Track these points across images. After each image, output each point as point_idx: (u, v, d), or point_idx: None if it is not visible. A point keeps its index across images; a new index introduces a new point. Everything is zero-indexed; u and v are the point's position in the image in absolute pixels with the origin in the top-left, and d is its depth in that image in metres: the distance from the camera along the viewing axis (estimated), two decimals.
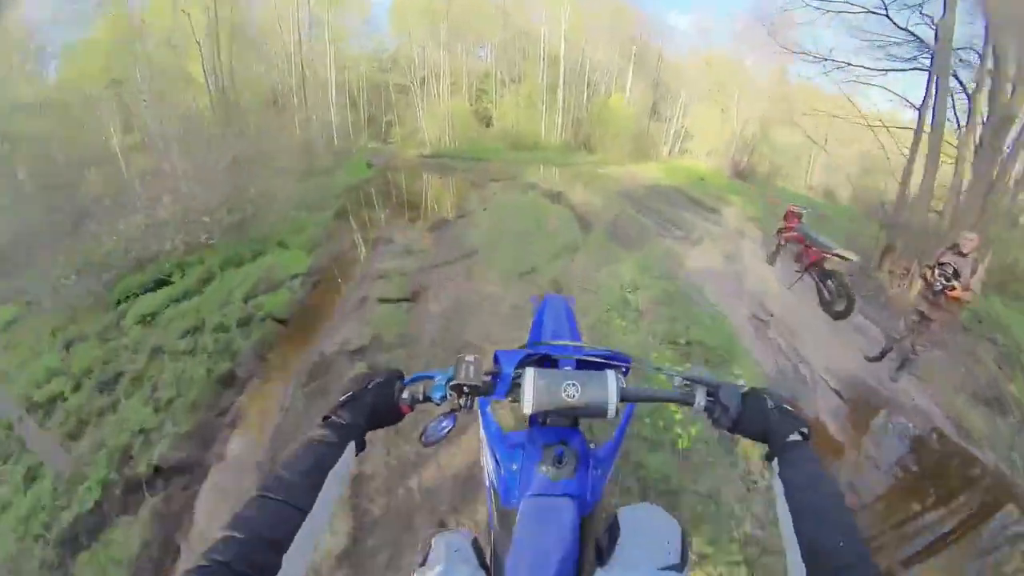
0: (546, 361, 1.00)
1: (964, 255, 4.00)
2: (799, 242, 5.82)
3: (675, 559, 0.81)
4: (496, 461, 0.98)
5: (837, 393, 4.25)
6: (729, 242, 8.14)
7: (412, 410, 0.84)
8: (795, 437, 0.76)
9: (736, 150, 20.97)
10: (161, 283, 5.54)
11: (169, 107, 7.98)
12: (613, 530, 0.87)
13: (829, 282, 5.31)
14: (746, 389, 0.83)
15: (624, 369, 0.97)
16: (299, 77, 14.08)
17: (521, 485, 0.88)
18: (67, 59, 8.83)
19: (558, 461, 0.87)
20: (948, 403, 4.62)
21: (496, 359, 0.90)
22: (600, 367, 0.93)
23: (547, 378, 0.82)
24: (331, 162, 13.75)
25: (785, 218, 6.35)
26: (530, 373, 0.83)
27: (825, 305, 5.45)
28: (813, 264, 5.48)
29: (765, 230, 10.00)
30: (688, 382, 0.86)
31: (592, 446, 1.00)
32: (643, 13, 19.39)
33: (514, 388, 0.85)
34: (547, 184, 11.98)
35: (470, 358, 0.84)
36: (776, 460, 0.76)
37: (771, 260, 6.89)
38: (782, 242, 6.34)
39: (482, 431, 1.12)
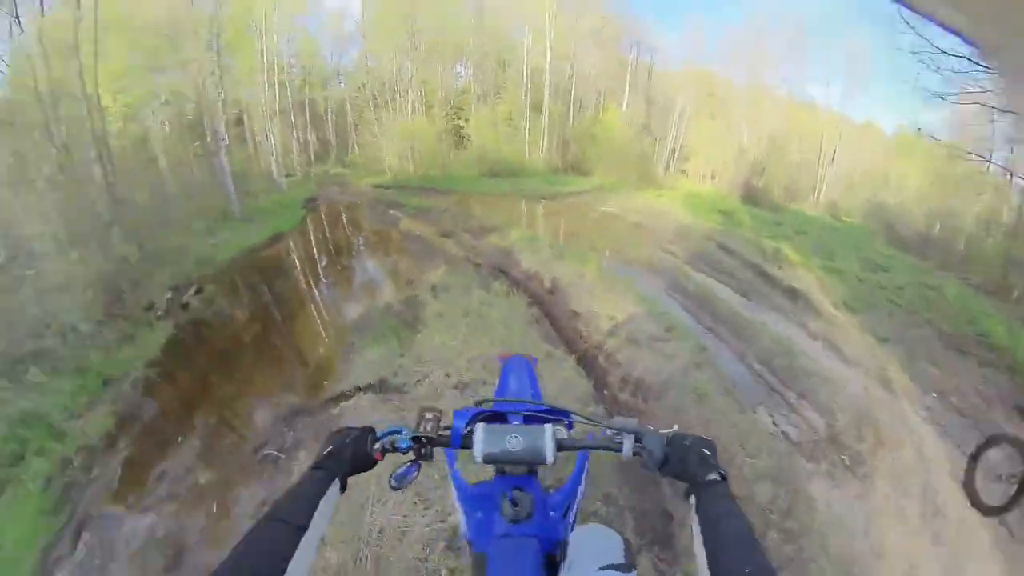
0: (496, 418, 1.08)
1: None
2: None
3: (618, 560, 0.92)
4: (464, 512, 1.12)
5: None
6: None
7: (383, 458, 0.96)
8: (713, 476, 0.81)
9: (745, 171, 18.39)
10: None
11: None
12: (564, 551, 0.96)
13: None
14: (670, 434, 0.91)
15: (567, 423, 1.05)
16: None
17: (487, 531, 0.98)
18: None
19: (514, 504, 0.94)
20: None
21: (453, 416, 1.02)
22: (544, 421, 1.01)
23: (493, 431, 0.94)
24: (252, 207, 10.50)
25: None
26: (479, 427, 0.95)
27: None
28: None
29: (890, 349, 5.51)
30: (617, 431, 0.93)
31: (550, 491, 1.16)
32: (632, 25, 17.02)
33: (468, 440, 0.95)
34: (530, 259, 7.30)
35: (429, 415, 0.98)
36: (693, 497, 0.81)
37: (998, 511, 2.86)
38: None
39: (452, 487, 1.24)
